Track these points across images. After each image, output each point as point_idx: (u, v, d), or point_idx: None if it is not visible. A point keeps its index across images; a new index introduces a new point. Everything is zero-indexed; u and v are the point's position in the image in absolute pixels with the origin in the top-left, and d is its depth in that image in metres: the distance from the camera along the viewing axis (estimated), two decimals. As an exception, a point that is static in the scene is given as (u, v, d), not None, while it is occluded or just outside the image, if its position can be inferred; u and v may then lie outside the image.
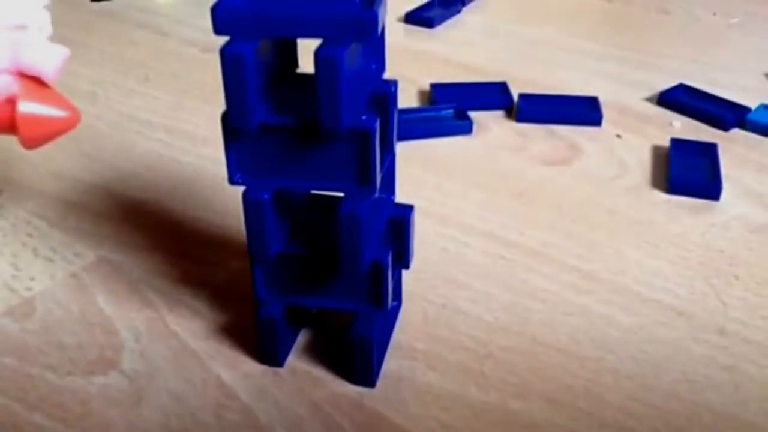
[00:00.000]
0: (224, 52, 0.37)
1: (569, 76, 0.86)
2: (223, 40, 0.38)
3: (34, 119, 0.45)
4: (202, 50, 0.89)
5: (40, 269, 0.55)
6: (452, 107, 0.76)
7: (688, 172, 0.67)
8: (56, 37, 0.46)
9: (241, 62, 0.37)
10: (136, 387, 0.46)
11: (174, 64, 0.86)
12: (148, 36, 0.93)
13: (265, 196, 0.41)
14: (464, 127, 0.74)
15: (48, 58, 0.46)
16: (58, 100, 0.47)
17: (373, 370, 0.46)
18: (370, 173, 0.40)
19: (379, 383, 0.46)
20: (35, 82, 0.46)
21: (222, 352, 0.48)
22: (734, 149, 0.72)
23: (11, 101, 0.45)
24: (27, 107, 0.45)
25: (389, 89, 0.42)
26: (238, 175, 0.41)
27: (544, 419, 0.45)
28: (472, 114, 0.75)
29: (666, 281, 0.55)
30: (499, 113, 0.77)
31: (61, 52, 0.47)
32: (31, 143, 0.46)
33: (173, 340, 0.49)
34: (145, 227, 0.59)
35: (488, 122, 0.76)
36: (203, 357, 0.48)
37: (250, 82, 0.38)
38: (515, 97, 0.78)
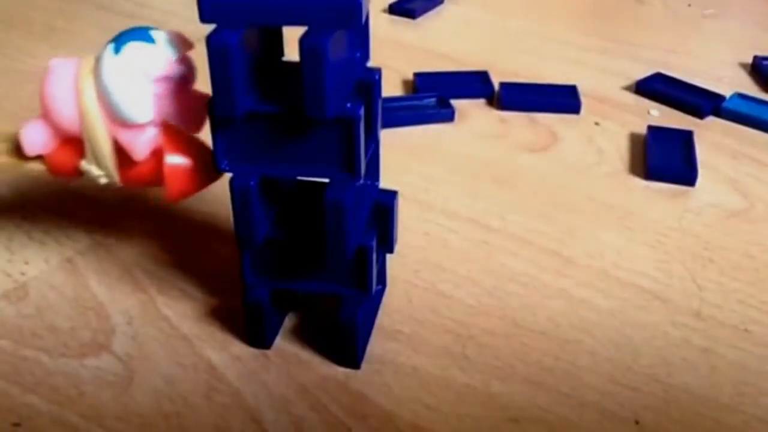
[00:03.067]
0: (210, 40, 0.37)
1: (549, 66, 0.86)
2: (209, 28, 0.38)
3: (182, 171, 0.44)
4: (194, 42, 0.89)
5: (35, 254, 0.55)
6: (435, 96, 0.76)
7: (665, 159, 0.68)
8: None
9: (227, 51, 0.37)
10: (127, 369, 0.47)
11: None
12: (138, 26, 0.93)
13: (252, 183, 0.41)
14: (446, 115, 0.74)
15: (192, 108, 0.44)
16: (205, 151, 0.45)
17: (358, 353, 0.47)
18: (355, 160, 0.41)
19: (364, 365, 0.47)
20: (180, 133, 0.44)
21: (212, 335, 0.49)
22: (710, 136, 0.73)
23: (157, 153, 0.44)
24: (174, 160, 0.44)
25: (373, 77, 0.43)
26: (225, 162, 0.42)
27: (525, 401, 0.46)
28: (454, 102, 0.76)
29: (643, 265, 0.56)
30: (481, 101, 0.78)
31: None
32: (176, 196, 0.45)
33: (164, 323, 0.50)
34: (138, 213, 0.60)
35: (470, 110, 0.76)
36: (193, 340, 0.49)
37: (235, 70, 0.38)
38: (496, 86, 0.79)
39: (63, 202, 0.61)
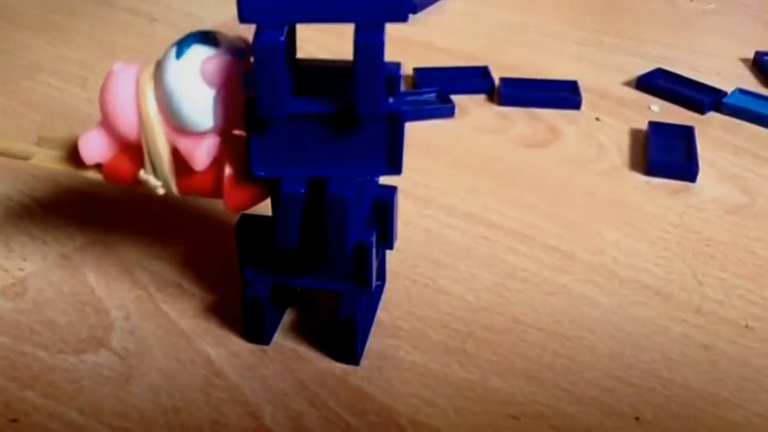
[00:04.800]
0: (257, 40, 0.36)
1: (550, 61, 0.86)
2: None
3: (242, 183, 0.42)
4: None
5: (33, 250, 0.55)
6: (435, 91, 0.76)
7: (666, 155, 0.68)
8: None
9: (275, 50, 0.36)
10: (126, 365, 0.47)
11: (162, 48, 0.85)
12: (137, 21, 0.93)
13: (302, 190, 0.41)
14: (446, 111, 0.74)
15: None
16: None
17: (357, 349, 0.47)
18: (398, 155, 0.41)
19: (364, 361, 0.47)
20: (241, 142, 0.42)
21: (210, 331, 0.49)
22: (711, 132, 0.73)
23: (216, 163, 0.42)
24: (235, 170, 0.43)
25: (397, 72, 0.42)
26: (262, 168, 0.41)
27: (525, 396, 0.45)
28: (454, 98, 0.76)
29: (644, 261, 0.56)
30: (481, 97, 0.78)
31: None
32: (235, 208, 0.43)
33: (162, 319, 0.50)
34: (136, 209, 0.59)
35: (470, 105, 0.76)
36: (192, 336, 0.49)
37: (282, 70, 0.37)
38: (496, 81, 0.79)
39: (61, 198, 0.60)
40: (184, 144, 0.41)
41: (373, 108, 0.38)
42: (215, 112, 0.40)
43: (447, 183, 0.64)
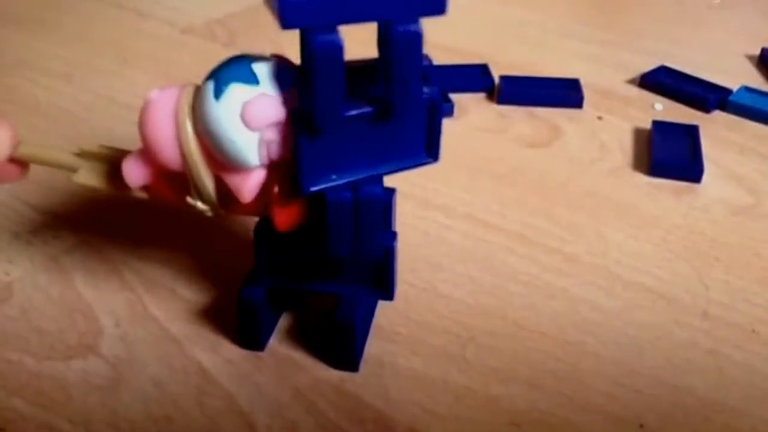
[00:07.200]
0: (316, 44, 0.35)
1: (550, 58, 0.86)
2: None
3: (290, 209, 0.41)
4: (181, 31, 0.88)
5: (20, 252, 0.54)
6: (433, 89, 0.75)
7: (670, 154, 0.67)
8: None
9: (336, 54, 0.35)
10: (115, 372, 0.46)
11: (151, 44, 0.85)
12: (125, 16, 0.92)
13: (348, 195, 0.40)
14: (445, 109, 0.73)
15: None
16: None
17: (355, 355, 0.46)
18: (437, 143, 0.41)
19: (361, 368, 0.46)
20: (288, 169, 0.40)
21: (203, 337, 0.48)
22: (716, 131, 0.72)
23: (265, 186, 0.41)
24: (285, 200, 0.41)
25: (429, 63, 0.41)
26: (314, 183, 0.39)
27: (527, 403, 0.45)
28: (453, 96, 0.75)
29: (648, 264, 0.55)
30: (481, 95, 0.77)
31: None
32: (287, 226, 0.42)
33: (153, 324, 0.49)
34: (126, 210, 0.59)
35: (469, 104, 0.76)
36: (183, 342, 0.48)
37: (341, 76, 0.36)
38: (496, 79, 0.78)
39: (49, 199, 0.60)
40: (231, 179, 0.40)
41: (414, 101, 0.38)
42: (261, 151, 0.39)
43: (446, 184, 0.63)
